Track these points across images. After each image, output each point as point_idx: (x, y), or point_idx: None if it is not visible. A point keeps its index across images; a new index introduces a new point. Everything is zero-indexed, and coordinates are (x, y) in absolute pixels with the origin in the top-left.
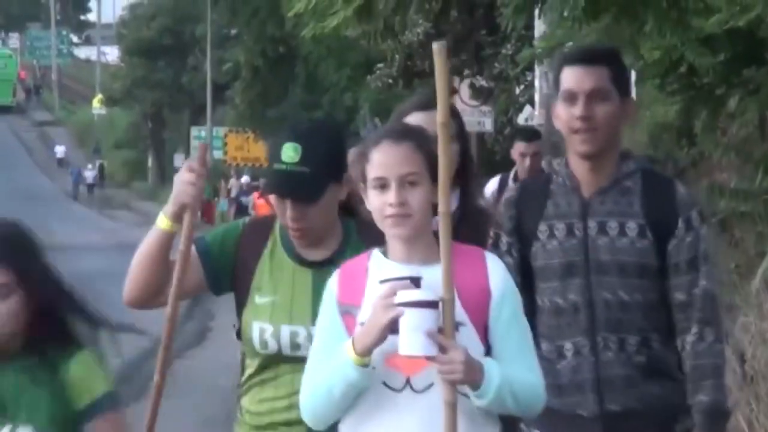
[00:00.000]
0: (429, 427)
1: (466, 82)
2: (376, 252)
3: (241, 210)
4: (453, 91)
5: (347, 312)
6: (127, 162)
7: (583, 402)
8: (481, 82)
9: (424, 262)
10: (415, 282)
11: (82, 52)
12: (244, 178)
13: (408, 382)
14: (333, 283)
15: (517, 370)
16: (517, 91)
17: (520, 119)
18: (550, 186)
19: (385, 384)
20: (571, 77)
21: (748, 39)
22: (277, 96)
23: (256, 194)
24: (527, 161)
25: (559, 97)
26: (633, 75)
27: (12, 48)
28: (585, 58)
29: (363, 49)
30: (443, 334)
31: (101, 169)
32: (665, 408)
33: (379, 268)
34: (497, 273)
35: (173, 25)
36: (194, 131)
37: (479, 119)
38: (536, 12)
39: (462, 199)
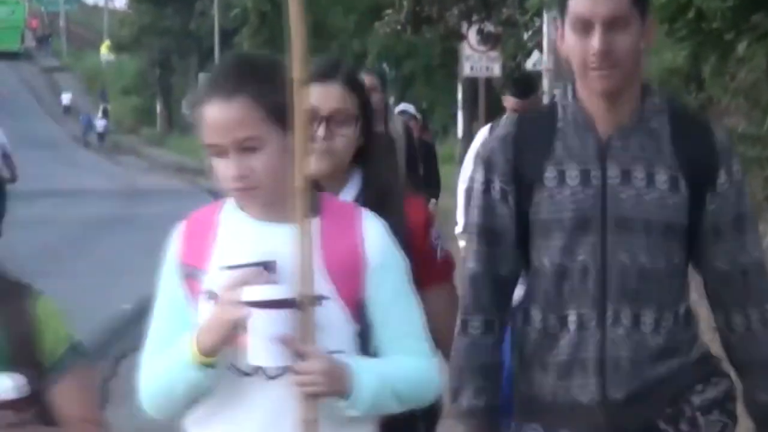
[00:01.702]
0: (281, 419)
1: (474, 27)
2: (229, 203)
3: None
4: (461, 37)
5: (190, 275)
6: (135, 108)
7: (583, 387)
8: (489, 27)
9: (287, 220)
10: (268, 270)
11: None
12: None
13: (258, 366)
14: (176, 239)
15: (401, 358)
16: (525, 36)
17: (528, 64)
18: (556, 122)
19: (233, 366)
20: (584, 1)
21: None
22: (285, 41)
23: None
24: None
25: (568, 23)
26: None
27: None
28: None
29: None
30: (302, 339)
31: (105, 112)
32: (675, 386)
33: (231, 224)
34: (376, 237)
35: None
36: (202, 77)
37: (487, 64)
38: None
39: (365, 181)
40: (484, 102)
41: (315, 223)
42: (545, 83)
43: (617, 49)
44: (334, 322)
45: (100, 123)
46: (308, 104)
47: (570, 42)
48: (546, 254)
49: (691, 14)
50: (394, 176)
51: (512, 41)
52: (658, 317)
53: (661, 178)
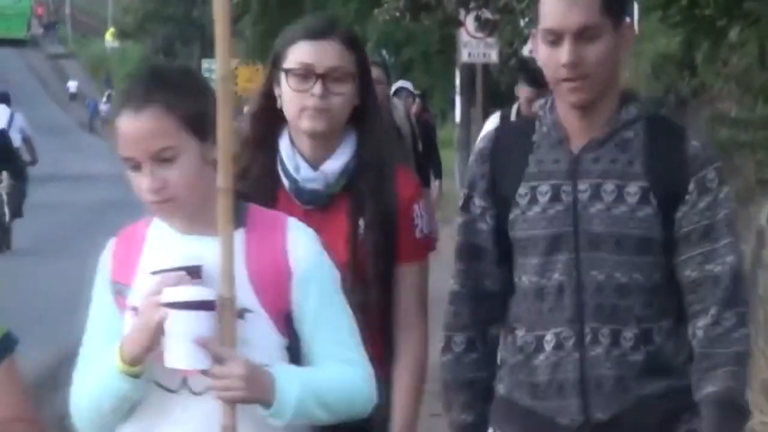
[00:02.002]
0: None
1: (472, 14)
2: (157, 219)
3: None
4: (459, 24)
5: (119, 292)
6: None
7: (564, 408)
8: (487, 14)
9: (212, 231)
10: (193, 273)
11: None
12: None
13: (185, 381)
14: (107, 256)
15: (330, 367)
16: (522, 23)
17: (525, 51)
18: (532, 137)
19: (158, 383)
20: (553, 12)
21: None
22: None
23: None
24: (536, 107)
25: (540, 35)
26: (636, 7)
27: None
28: None
29: None
30: (222, 342)
31: (110, 97)
32: (663, 410)
33: (157, 238)
34: (301, 246)
35: None
36: (204, 64)
37: (484, 51)
38: None
39: (359, 142)
40: (482, 87)
41: (240, 234)
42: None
43: (587, 61)
44: (259, 335)
45: (104, 107)
46: (231, 103)
47: (542, 54)
48: (524, 272)
49: (684, 1)
50: (388, 141)
51: (509, 28)
52: (639, 333)
53: (631, 190)
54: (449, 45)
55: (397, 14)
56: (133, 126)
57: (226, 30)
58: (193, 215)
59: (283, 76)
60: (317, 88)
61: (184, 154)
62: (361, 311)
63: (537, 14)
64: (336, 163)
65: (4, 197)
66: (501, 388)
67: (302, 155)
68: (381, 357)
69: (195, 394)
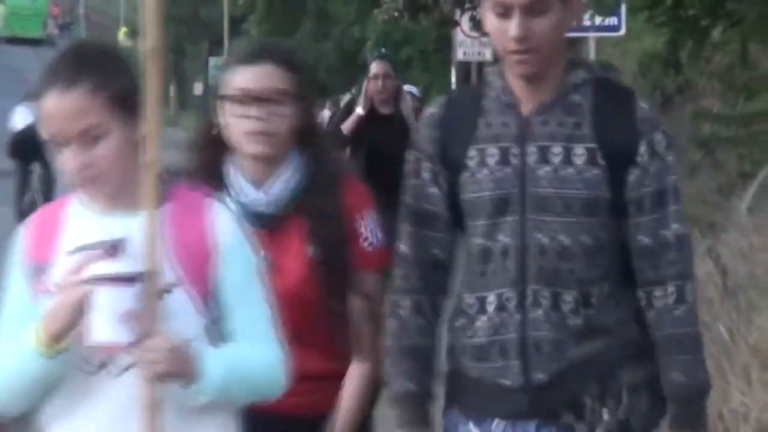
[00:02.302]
0: (128, 418)
1: (467, 14)
2: (75, 198)
3: None
4: (455, 24)
5: (36, 273)
6: None
7: (505, 369)
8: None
9: (134, 210)
10: (115, 249)
11: None
12: None
13: (105, 362)
14: (21, 238)
15: (250, 347)
16: None
17: None
18: (481, 101)
19: (79, 364)
20: None
21: None
22: (290, 28)
23: None
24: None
25: (488, 6)
26: (623, 7)
27: None
28: None
29: None
30: (148, 317)
31: None
32: (603, 365)
33: (77, 218)
34: (226, 225)
35: None
36: (212, 61)
37: (479, 50)
38: None
39: (303, 167)
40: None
41: (163, 210)
42: None
43: (536, 34)
44: (181, 311)
45: None
46: (160, 78)
47: (490, 25)
48: (473, 235)
49: (669, 2)
50: (332, 157)
51: None
52: (579, 297)
53: (579, 152)
54: (445, 44)
55: (396, 14)
56: (61, 104)
57: (156, 2)
58: (116, 194)
59: (223, 103)
60: (256, 111)
61: (112, 132)
62: (318, 323)
63: None
64: (280, 184)
65: (38, 185)
66: (449, 362)
67: (248, 179)
68: (339, 367)
69: (118, 374)
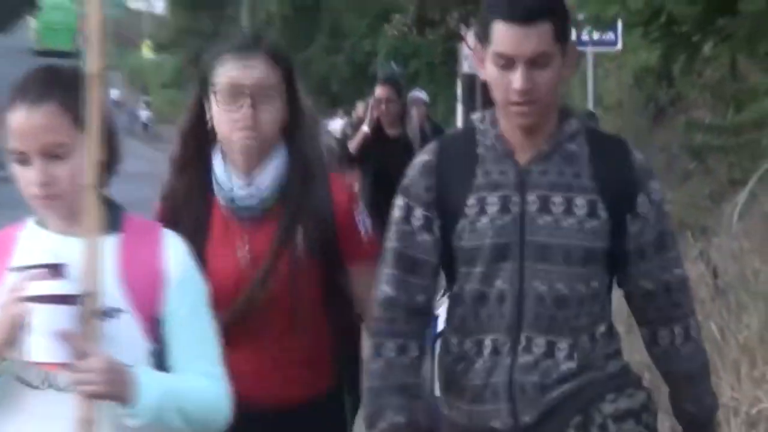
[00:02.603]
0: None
1: (473, 29)
2: (31, 220)
3: None
4: (460, 38)
5: None
6: (173, 101)
7: (496, 412)
8: None
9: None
10: (57, 269)
11: (132, 4)
12: None
13: (48, 378)
14: None
15: (192, 377)
16: None
17: None
18: (476, 149)
19: (19, 379)
20: (507, 39)
21: None
22: (305, 43)
23: None
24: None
25: (491, 56)
26: (620, 23)
27: None
28: (525, 15)
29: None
30: (85, 337)
31: (147, 104)
32: (586, 398)
33: (30, 239)
34: (176, 255)
35: None
36: None
37: None
38: None
39: (289, 155)
40: (481, 96)
41: (115, 237)
42: None
43: (538, 86)
44: (126, 336)
45: (143, 113)
46: (102, 102)
47: (491, 73)
48: (467, 280)
49: (663, 19)
50: (318, 151)
51: None
52: (573, 343)
53: (580, 202)
54: (451, 57)
55: (405, 29)
56: (29, 120)
57: (99, 26)
58: (72, 215)
59: (212, 94)
60: (246, 104)
61: (74, 153)
62: (306, 318)
63: (487, 34)
64: (267, 176)
65: None
66: (443, 408)
67: (235, 171)
68: (330, 357)
69: (59, 390)
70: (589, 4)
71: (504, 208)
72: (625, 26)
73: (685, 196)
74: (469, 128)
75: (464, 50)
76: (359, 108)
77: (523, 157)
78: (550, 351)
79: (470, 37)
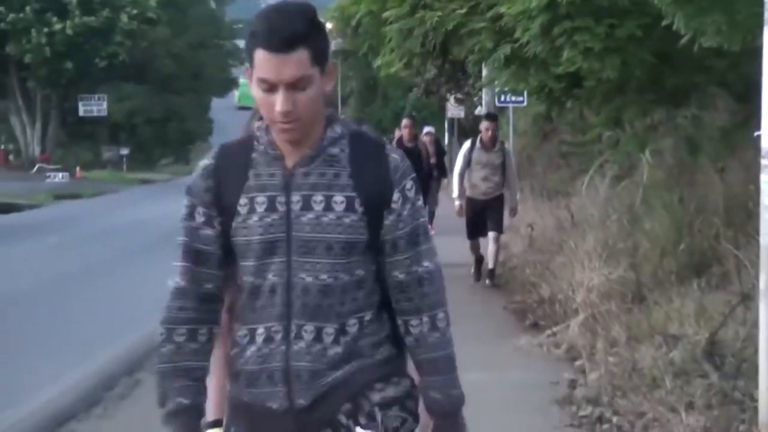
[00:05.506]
0: None
1: (452, 95)
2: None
3: None
4: (446, 100)
5: None
6: None
7: (273, 394)
8: (459, 95)
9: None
10: None
11: None
12: None
13: None
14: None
15: None
16: (476, 99)
17: (477, 111)
18: (251, 154)
19: None
20: (267, 66)
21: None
22: (368, 103)
23: None
24: (489, 132)
25: (255, 79)
26: (526, 92)
27: None
28: (283, 45)
29: (407, 80)
30: None
31: None
32: (356, 384)
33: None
34: None
35: None
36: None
37: (459, 112)
38: (483, 64)
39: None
40: (457, 129)
41: None
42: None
43: (299, 107)
44: None
45: None
46: None
47: (257, 94)
48: (244, 273)
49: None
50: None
51: (469, 100)
52: (339, 328)
53: (339, 199)
54: (442, 109)
55: (420, 95)
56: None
57: None
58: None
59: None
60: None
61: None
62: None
63: (251, 59)
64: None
65: None
66: (227, 386)
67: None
68: None
69: None
70: (510, 83)
71: (271, 207)
72: (528, 93)
73: (558, 177)
74: (250, 136)
75: (449, 105)
76: (396, 132)
77: (290, 162)
78: (318, 336)
79: (452, 98)
